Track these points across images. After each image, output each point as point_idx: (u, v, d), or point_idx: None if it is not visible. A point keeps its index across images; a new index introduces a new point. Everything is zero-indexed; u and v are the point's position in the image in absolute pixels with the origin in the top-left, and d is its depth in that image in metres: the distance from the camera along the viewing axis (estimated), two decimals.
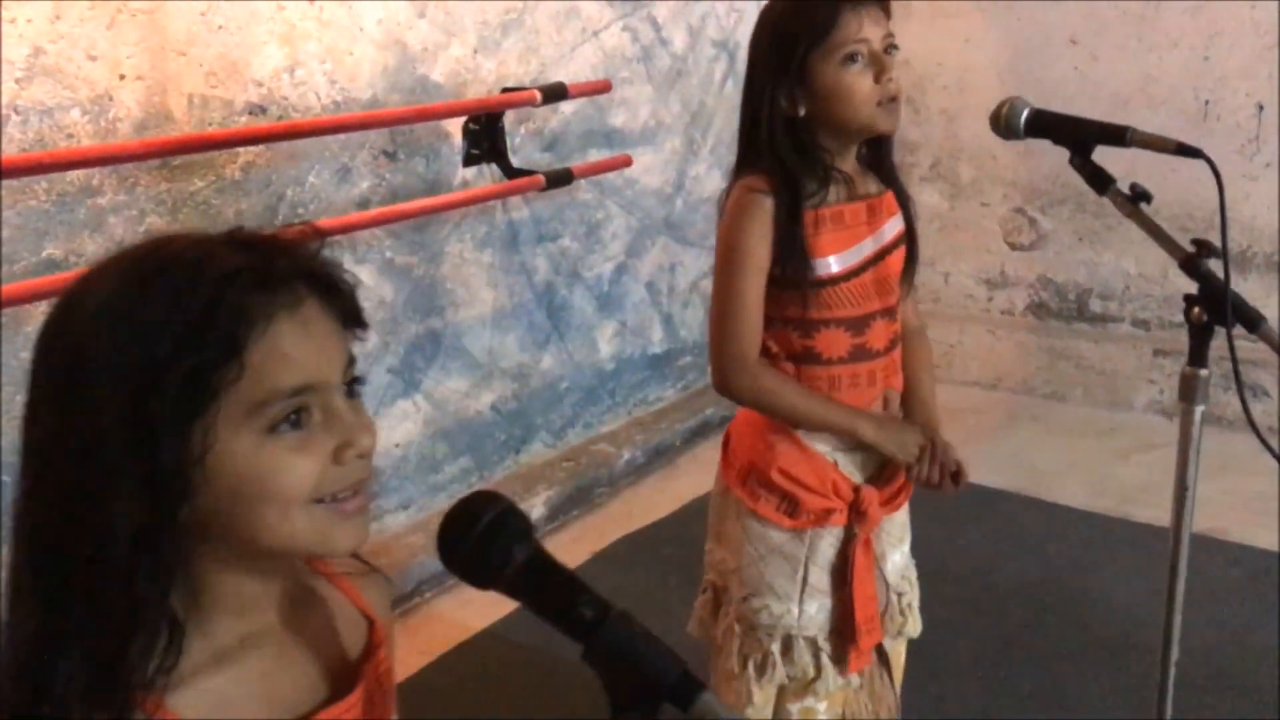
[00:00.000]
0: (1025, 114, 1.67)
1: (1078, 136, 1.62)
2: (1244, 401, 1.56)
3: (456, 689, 2.80)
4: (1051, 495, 3.71)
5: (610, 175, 3.87)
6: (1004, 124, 1.69)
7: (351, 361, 0.87)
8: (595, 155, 3.82)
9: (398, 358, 3.31)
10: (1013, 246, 4.67)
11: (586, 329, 3.99)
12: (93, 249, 2.55)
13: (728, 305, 1.79)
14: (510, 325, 3.69)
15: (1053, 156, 4.49)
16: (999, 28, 4.51)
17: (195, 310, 0.79)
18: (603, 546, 3.48)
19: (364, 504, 0.86)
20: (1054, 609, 3.06)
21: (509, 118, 3.49)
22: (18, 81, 2.40)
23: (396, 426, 3.33)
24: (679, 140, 4.13)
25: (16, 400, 2.18)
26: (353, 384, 0.87)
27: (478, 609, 2.95)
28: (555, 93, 3.39)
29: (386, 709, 0.98)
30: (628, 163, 3.73)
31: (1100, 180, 1.59)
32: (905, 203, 1.89)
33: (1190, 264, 1.51)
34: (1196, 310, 1.54)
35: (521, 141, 3.59)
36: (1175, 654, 1.68)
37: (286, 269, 0.83)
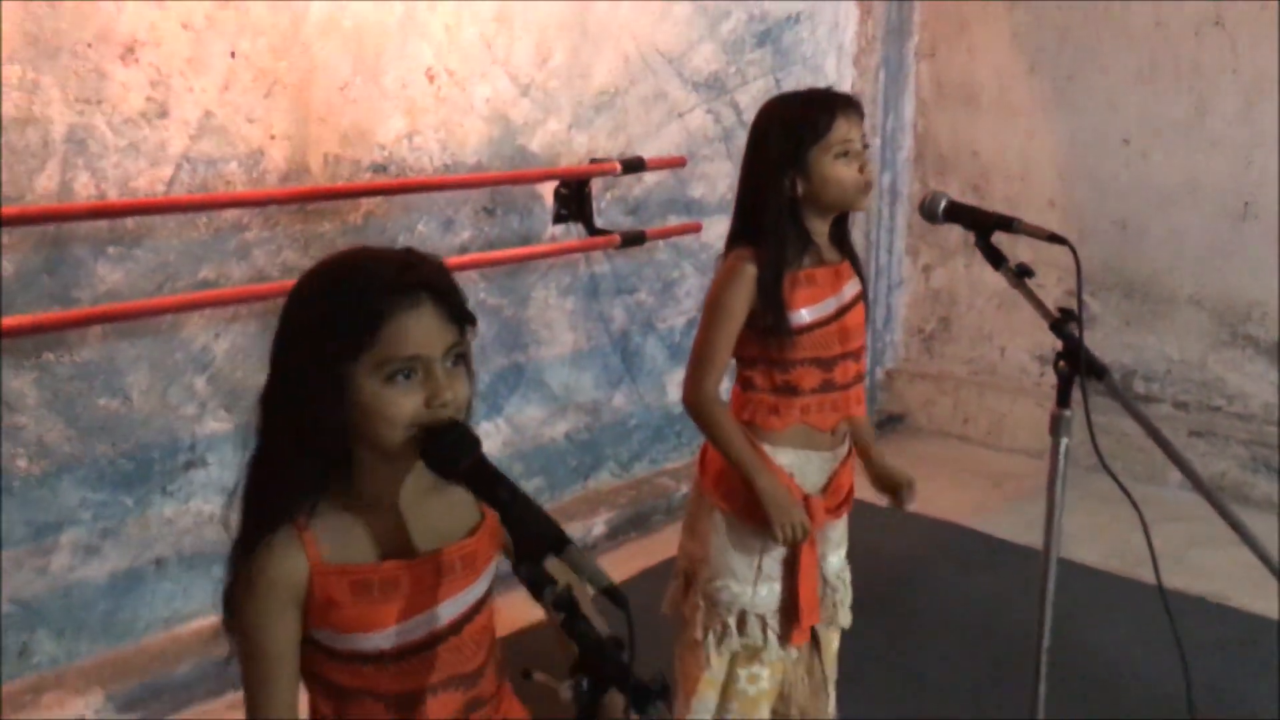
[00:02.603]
0: (943, 204, 2.10)
1: (979, 223, 2.03)
2: (1094, 441, 1.92)
3: None
4: (1068, 554, 4.00)
5: (686, 239, 4.37)
6: (927, 210, 2.11)
7: (456, 343, 1.34)
8: (674, 221, 4.33)
9: (484, 385, 3.84)
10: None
11: (657, 374, 4.47)
12: (238, 274, 3.14)
13: (705, 350, 2.24)
14: (586, 365, 4.19)
15: (1104, 246, 4.87)
16: (1060, 125, 4.88)
17: (354, 302, 1.29)
18: (652, 564, 3.91)
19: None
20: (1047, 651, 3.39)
21: (597, 185, 4.01)
22: (191, 137, 3.02)
23: None
24: None
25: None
26: (458, 358, 1.34)
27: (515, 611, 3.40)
28: (634, 165, 3.91)
29: (490, 556, 1.43)
30: (697, 229, 4.23)
31: (995, 257, 1.99)
32: (859, 269, 2.32)
33: (1057, 326, 1.89)
34: (1061, 363, 1.90)
35: (607, 205, 4.12)
36: (1044, 667, 2.05)
37: (413, 280, 1.31)
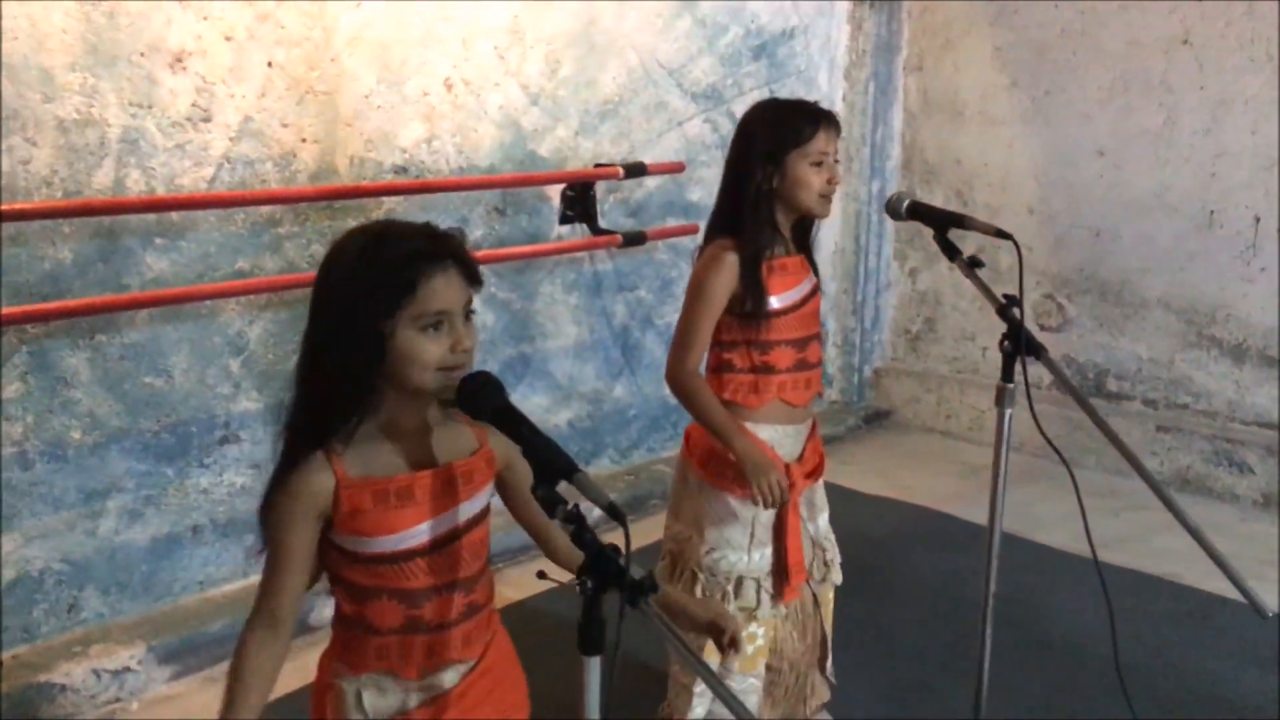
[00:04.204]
0: (905, 203, 2.37)
1: (937, 220, 2.31)
2: (1032, 411, 2.19)
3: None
4: (1037, 537, 4.29)
5: (684, 240, 4.65)
6: (892, 208, 2.39)
7: (470, 300, 1.61)
8: (673, 223, 4.61)
9: (493, 373, 4.10)
10: (1042, 328, 5.26)
11: (655, 368, 4.74)
12: (271, 265, 3.42)
13: (687, 331, 2.48)
14: (589, 357, 4.47)
15: (1079, 252, 5.13)
16: (1038, 137, 5.16)
17: (396, 264, 1.56)
18: (648, 544, 4.18)
19: (458, 376, 1.59)
20: (1011, 621, 3.67)
21: (601, 188, 4.29)
22: (231, 140, 3.30)
23: None
24: None
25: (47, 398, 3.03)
26: (469, 314, 1.62)
27: (517, 587, 3.67)
28: (636, 169, 4.20)
29: (487, 478, 1.70)
30: (695, 230, 4.50)
31: (950, 250, 2.27)
32: (814, 265, 2.57)
33: (1002, 310, 2.16)
34: (1005, 342, 2.17)
35: (610, 207, 4.40)
36: (990, 628, 2.31)
37: (442, 250, 1.59)
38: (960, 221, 2.26)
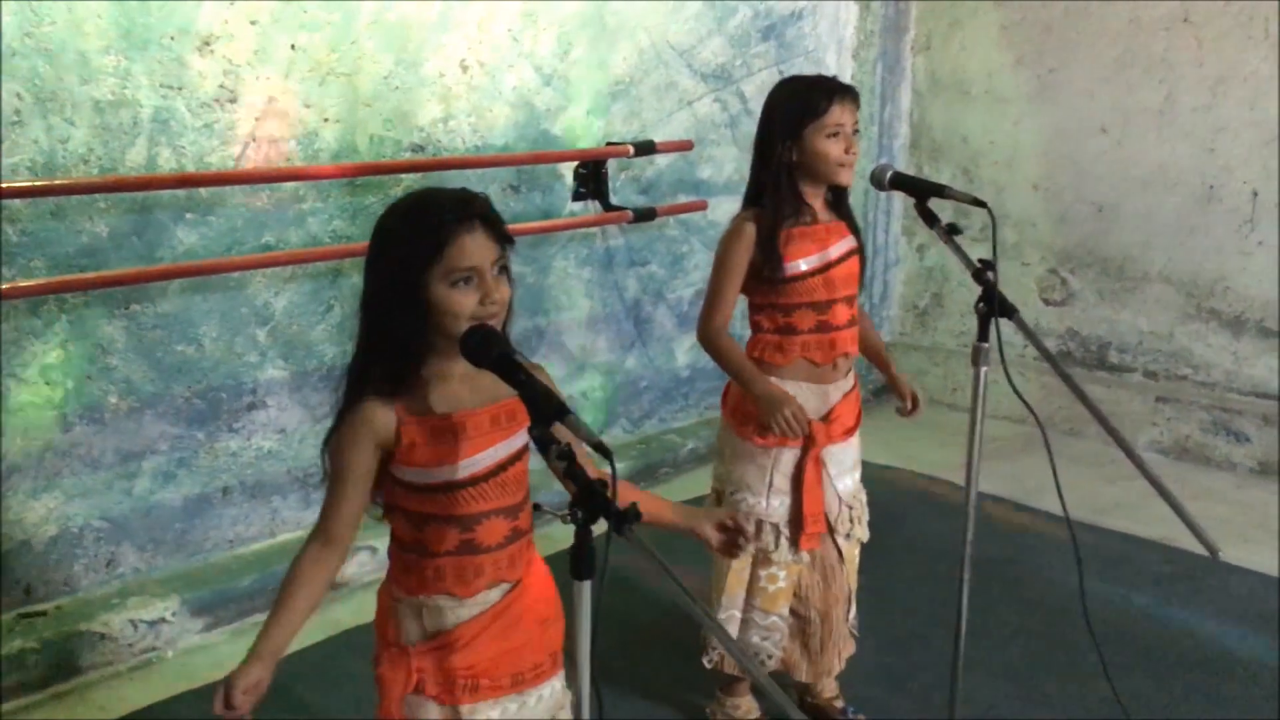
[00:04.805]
0: (889, 174, 2.51)
1: (918, 190, 2.44)
2: (1006, 371, 2.33)
3: None
4: (1035, 503, 4.43)
5: (695, 216, 4.79)
6: (876, 179, 2.53)
7: (500, 257, 1.77)
8: (683, 199, 4.75)
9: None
10: (1046, 302, 5.38)
11: (666, 340, 4.90)
12: (295, 239, 3.59)
13: (712, 294, 2.68)
14: (601, 330, 4.62)
15: (1082, 227, 5.25)
16: (1043, 114, 5.27)
17: (428, 227, 1.72)
18: None
19: (494, 326, 1.76)
20: (1003, 579, 3.81)
21: (612, 166, 4.43)
22: (257, 120, 3.46)
23: None
24: None
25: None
26: (501, 269, 1.78)
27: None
28: (646, 148, 4.34)
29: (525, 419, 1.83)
30: (703, 207, 4.65)
31: (930, 219, 2.40)
32: (856, 231, 2.72)
33: (978, 274, 2.29)
34: (980, 304, 2.31)
35: (622, 185, 4.54)
36: (967, 573, 2.45)
37: (470, 210, 1.76)
38: (940, 191, 2.40)
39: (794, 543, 2.75)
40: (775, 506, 2.73)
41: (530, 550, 1.94)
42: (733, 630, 2.78)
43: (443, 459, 1.79)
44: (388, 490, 1.84)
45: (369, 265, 1.81)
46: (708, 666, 2.87)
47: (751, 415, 2.68)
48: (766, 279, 2.65)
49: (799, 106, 2.60)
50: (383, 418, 1.77)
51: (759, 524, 2.72)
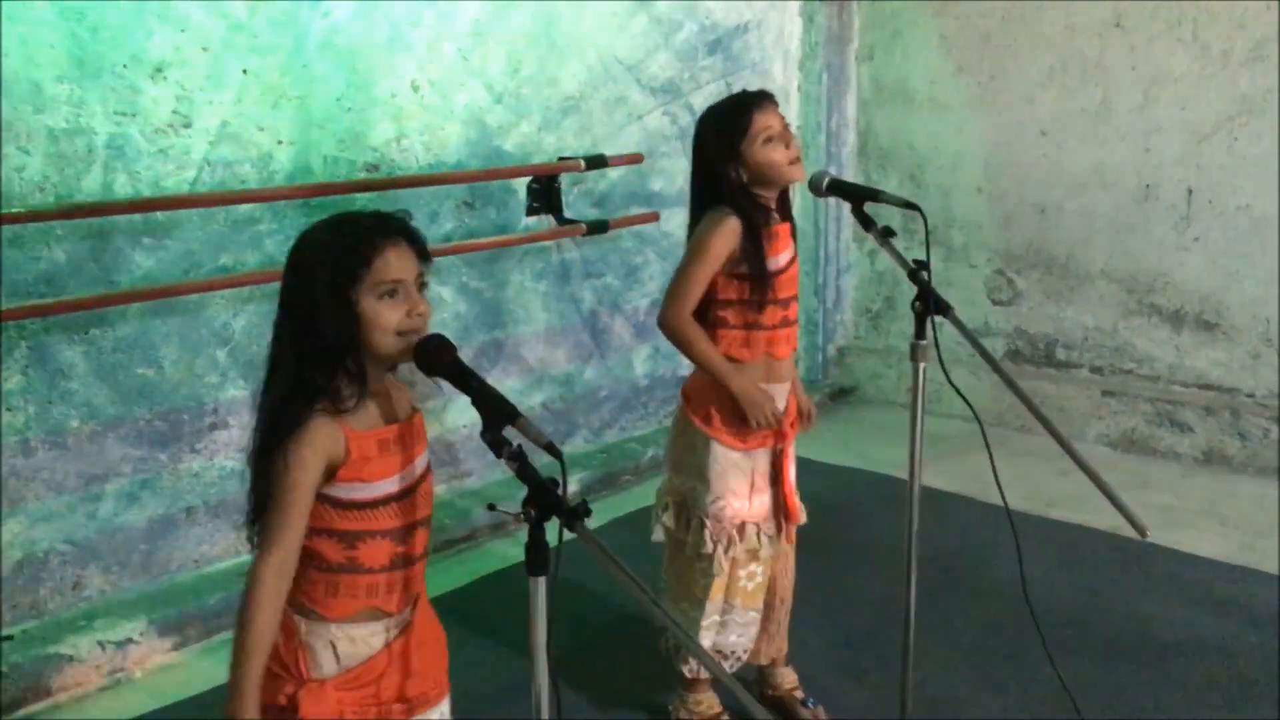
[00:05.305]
0: (825, 180, 2.61)
1: (854, 194, 2.54)
2: (942, 365, 2.42)
3: (497, 602, 3.77)
4: (986, 498, 4.53)
5: (648, 227, 4.88)
6: (814, 185, 2.62)
7: (421, 273, 1.82)
8: (636, 211, 4.83)
9: (468, 359, 4.24)
10: (994, 302, 5.51)
11: (624, 350, 4.97)
12: (252, 261, 3.64)
13: (683, 282, 2.69)
14: (559, 342, 4.69)
15: (1026, 228, 5.37)
16: (985, 120, 5.40)
17: (352, 244, 1.78)
18: (621, 515, 4.42)
19: (415, 339, 1.81)
20: (954, 572, 3.91)
21: (565, 180, 4.51)
22: (211, 143, 3.51)
23: (464, 413, 4.33)
24: None
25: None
26: (422, 285, 1.83)
27: (519, 550, 3.91)
28: (597, 162, 4.42)
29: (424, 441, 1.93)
30: (655, 219, 4.74)
31: (866, 222, 2.50)
32: (794, 233, 2.80)
33: (913, 274, 2.38)
34: (917, 303, 2.40)
35: (575, 198, 4.62)
36: (914, 571, 2.54)
37: (392, 228, 1.81)
38: (875, 195, 2.49)
39: (774, 536, 2.84)
40: (756, 506, 2.80)
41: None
42: (714, 635, 2.85)
43: (387, 470, 1.84)
44: (317, 513, 1.82)
45: (292, 286, 1.82)
46: (688, 676, 2.92)
47: (731, 422, 2.72)
48: (747, 274, 2.67)
49: (726, 130, 2.66)
50: (332, 436, 1.79)
51: (742, 525, 2.78)
